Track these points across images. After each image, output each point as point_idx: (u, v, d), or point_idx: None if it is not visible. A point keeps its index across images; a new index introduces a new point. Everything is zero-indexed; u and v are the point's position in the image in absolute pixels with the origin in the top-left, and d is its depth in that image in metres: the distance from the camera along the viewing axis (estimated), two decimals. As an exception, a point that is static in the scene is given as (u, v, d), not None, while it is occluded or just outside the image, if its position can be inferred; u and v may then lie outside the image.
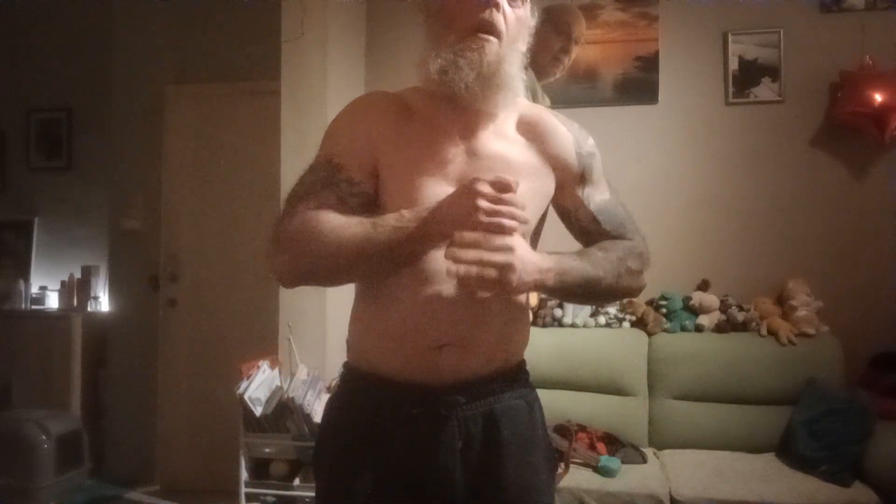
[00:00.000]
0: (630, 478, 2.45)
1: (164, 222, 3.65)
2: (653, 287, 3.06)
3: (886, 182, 3.03)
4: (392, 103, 1.18)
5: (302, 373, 2.77)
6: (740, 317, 2.94)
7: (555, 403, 2.77)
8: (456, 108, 1.13)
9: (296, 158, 2.78)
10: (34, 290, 3.95)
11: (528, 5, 1.14)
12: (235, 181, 3.57)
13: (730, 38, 3.18)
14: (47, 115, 4.09)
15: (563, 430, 2.62)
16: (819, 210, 3.09)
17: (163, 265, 3.64)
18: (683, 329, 2.98)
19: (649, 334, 2.99)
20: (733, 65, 3.18)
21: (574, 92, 3.21)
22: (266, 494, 2.67)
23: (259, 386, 2.65)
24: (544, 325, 3.07)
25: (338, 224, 1.03)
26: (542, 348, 2.87)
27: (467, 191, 0.98)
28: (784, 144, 3.13)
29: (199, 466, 3.48)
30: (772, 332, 2.87)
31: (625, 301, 3.09)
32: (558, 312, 3.08)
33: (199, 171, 3.66)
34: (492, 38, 1.08)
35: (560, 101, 2.71)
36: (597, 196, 1.20)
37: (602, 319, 3.06)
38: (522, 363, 1.20)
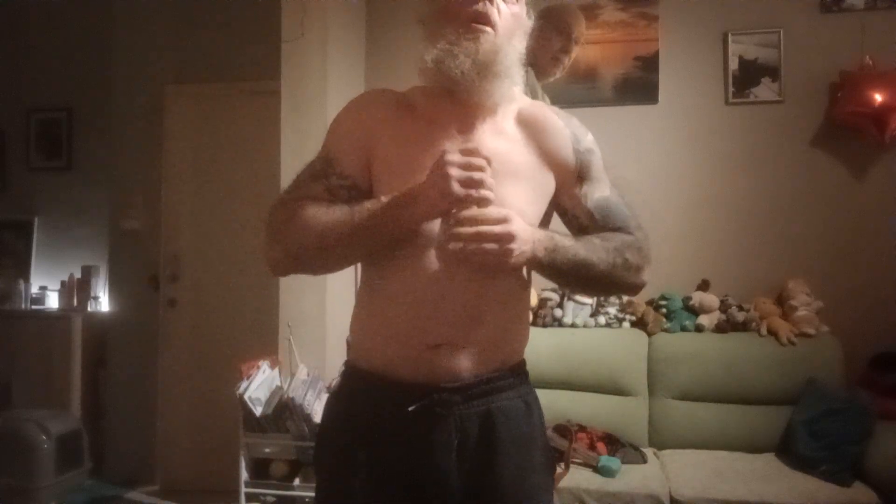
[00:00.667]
0: (630, 478, 2.45)
1: (164, 222, 3.65)
2: (653, 287, 3.06)
3: (886, 182, 3.03)
4: (393, 100, 1.20)
5: (302, 373, 2.77)
6: (740, 317, 2.94)
7: (555, 403, 2.77)
8: (455, 105, 1.14)
9: (296, 158, 2.77)
10: (34, 290, 3.95)
11: (522, 4, 1.16)
12: (235, 181, 3.57)
13: (730, 38, 3.18)
14: (47, 115, 4.09)
15: (563, 430, 2.62)
16: (819, 210, 3.09)
17: (163, 265, 3.64)
18: (683, 329, 2.98)
19: (649, 334, 2.99)
20: (733, 65, 3.18)
21: (574, 92, 3.21)
22: (266, 494, 2.67)
23: (259, 386, 2.65)
24: (544, 325, 3.07)
25: (320, 211, 1.08)
26: (542, 348, 2.87)
27: (439, 165, 1.01)
28: (784, 144, 3.13)
29: (199, 466, 3.48)
30: (772, 332, 2.87)
31: (625, 301, 3.10)
32: (558, 312, 3.08)
33: (199, 171, 3.66)
34: (487, 28, 1.09)
35: (560, 101, 2.69)
36: (596, 193, 1.19)
37: (602, 319, 3.06)
38: (522, 363, 1.20)
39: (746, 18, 3.18)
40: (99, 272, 3.91)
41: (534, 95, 2.32)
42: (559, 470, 2.43)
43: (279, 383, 2.72)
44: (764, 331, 2.89)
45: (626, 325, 3.06)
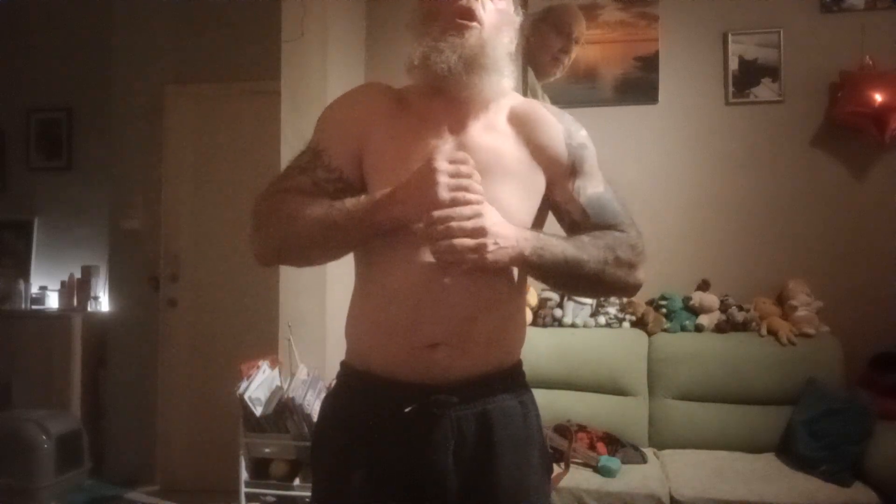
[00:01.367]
0: (630, 478, 2.45)
1: (164, 222, 3.65)
2: (653, 287, 3.07)
3: (886, 182, 3.03)
4: (386, 95, 1.20)
5: (302, 373, 2.77)
6: (740, 317, 2.94)
7: (555, 403, 2.77)
8: (448, 103, 1.14)
9: (296, 158, 2.77)
10: (34, 290, 3.95)
11: (509, 0, 1.16)
12: (235, 181, 3.56)
13: (730, 38, 3.18)
14: (47, 115, 4.09)
15: (563, 430, 2.62)
16: (819, 210, 3.09)
17: (163, 265, 3.64)
18: (683, 329, 2.98)
19: (649, 334, 2.99)
20: (733, 65, 3.18)
21: (574, 92, 3.21)
22: (266, 494, 2.67)
23: (259, 386, 2.65)
24: (544, 325, 3.07)
25: (301, 205, 1.09)
26: (542, 348, 2.88)
27: (427, 170, 1.01)
28: (784, 144, 3.13)
29: (199, 466, 3.48)
30: (772, 332, 2.87)
31: (625, 301, 3.09)
32: (558, 312, 3.08)
33: (199, 171, 3.66)
34: (472, 23, 1.10)
35: (560, 101, 2.71)
36: (589, 189, 1.17)
37: (602, 319, 3.06)
38: (518, 364, 1.20)
39: (746, 18, 3.17)
40: (99, 272, 3.91)
41: (534, 95, 2.32)
42: (559, 470, 2.44)
43: (279, 383, 2.72)
44: (764, 331, 2.89)
45: (626, 325, 3.05)
